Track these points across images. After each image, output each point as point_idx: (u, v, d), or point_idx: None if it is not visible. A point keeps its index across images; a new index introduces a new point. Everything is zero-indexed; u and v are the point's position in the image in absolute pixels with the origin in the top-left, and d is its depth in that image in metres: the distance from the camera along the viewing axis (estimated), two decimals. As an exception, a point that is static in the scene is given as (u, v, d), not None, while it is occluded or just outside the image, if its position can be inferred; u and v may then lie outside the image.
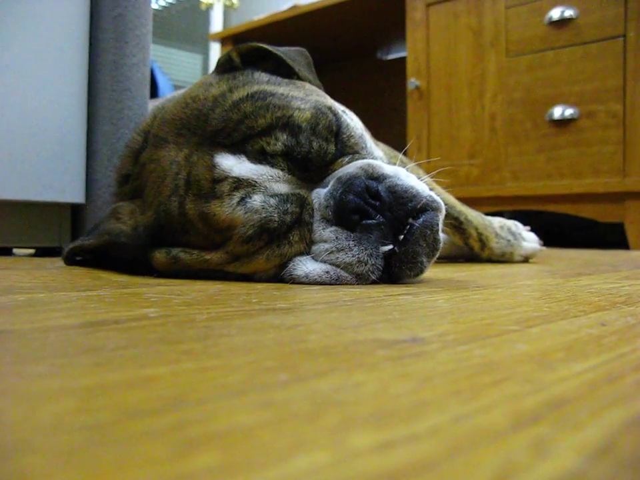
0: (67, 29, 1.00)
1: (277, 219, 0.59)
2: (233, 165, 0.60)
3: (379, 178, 0.61)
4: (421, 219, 0.59)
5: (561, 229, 2.19)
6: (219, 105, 0.64)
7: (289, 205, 0.59)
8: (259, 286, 0.56)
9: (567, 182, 1.87)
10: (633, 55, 1.76)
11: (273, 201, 0.59)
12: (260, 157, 0.61)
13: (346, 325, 0.35)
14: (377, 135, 0.89)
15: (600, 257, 1.24)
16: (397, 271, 0.59)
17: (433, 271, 0.80)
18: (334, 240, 0.59)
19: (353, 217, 0.58)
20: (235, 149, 0.61)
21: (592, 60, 1.83)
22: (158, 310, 0.38)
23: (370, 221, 0.59)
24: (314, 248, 0.61)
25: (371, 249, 0.58)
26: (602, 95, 1.81)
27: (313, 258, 0.61)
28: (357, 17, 2.54)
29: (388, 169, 0.62)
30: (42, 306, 0.40)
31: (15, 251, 1.11)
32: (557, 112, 1.88)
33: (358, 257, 0.58)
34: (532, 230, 1.09)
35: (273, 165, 0.60)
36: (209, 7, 3.88)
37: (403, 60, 2.41)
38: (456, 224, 0.99)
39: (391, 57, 3.04)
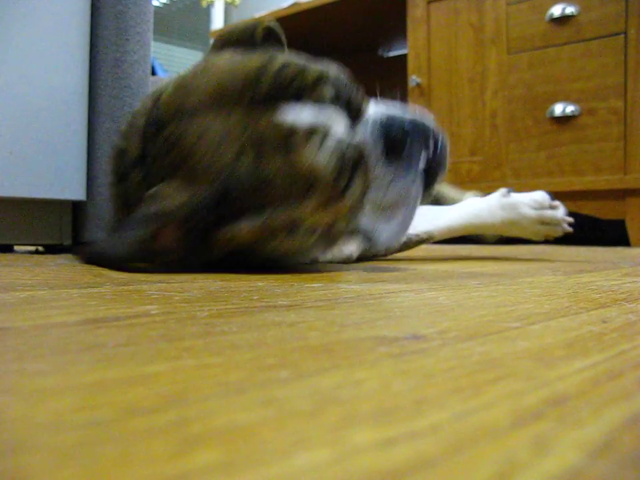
0: (67, 25, 1.00)
1: (353, 156, 0.65)
2: (298, 116, 0.63)
3: (402, 114, 0.71)
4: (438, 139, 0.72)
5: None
6: (266, 71, 0.66)
7: (355, 144, 0.66)
8: (260, 283, 0.56)
9: (567, 179, 1.86)
10: (634, 51, 1.76)
11: (343, 142, 0.64)
12: (317, 106, 0.65)
13: (347, 322, 0.34)
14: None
15: (601, 254, 1.24)
16: (431, 179, 0.71)
17: (432, 270, 0.80)
18: (388, 172, 0.68)
19: (401, 143, 0.68)
20: (292, 103, 0.64)
21: (593, 57, 1.83)
22: (159, 307, 0.38)
23: (411, 145, 0.68)
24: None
25: (415, 171, 0.69)
26: (603, 92, 1.81)
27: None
28: (358, 14, 2.53)
29: (402, 109, 0.73)
30: (42, 303, 0.40)
31: (15, 248, 1.11)
32: (558, 109, 1.88)
33: (412, 178, 0.69)
34: None
35: (329, 112, 0.65)
36: (210, 3, 3.88)
37: (404, 57, 2.41)
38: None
39: (392, 54, 3.03)
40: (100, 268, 0.70)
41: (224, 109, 0.65)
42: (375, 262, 0.92)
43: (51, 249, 1.06)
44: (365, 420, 0.17)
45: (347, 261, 0.86)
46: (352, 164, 0.64)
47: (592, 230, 1.99)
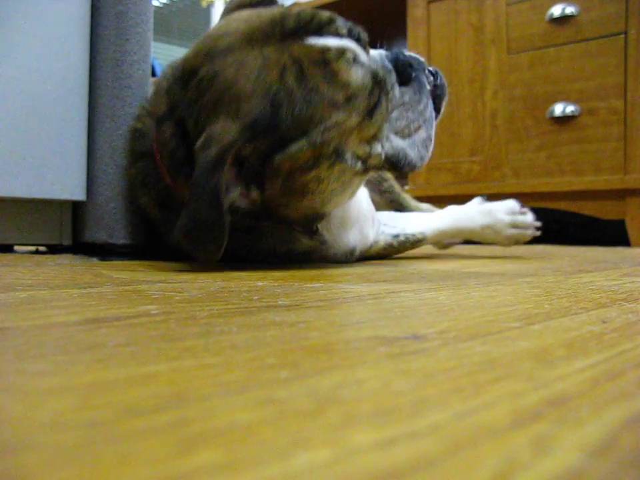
0: (67, 25, 1.00)
1: (379, 74, 0.71)
2: (327, 41, 0.69)
3: (400, 51, 0.78)
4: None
5: (562, 226, 2.18)
6: (288, 13, 0.71)
7: (379, 66, 0.73)
8: (260, 283, 0.56)
9: (567, 179, 1.86)
10: (634, 52, 1.76)
11: (369, 63, 0.71)
12: (337, 38, 0.70)
13: (347, 322, 0.34)
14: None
15: (601, 254, 1.24)
16: (439, 103, 0.81)
17: (432, 270, 0.80)
18: (404, 95, 0.76)
19: (408, 71, 0.76)
20: (318, 34, 0.69)
21: (593, 57, 1.83)
22: (159, 307, 0.38)
23: (416, 73, 0.77)
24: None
25: (426, 94, 0.78)
26: (603, 92, 1.81)
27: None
28: (358, 15, 2.53)
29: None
30: (43, 303, 0.40)
31: (15, 248, 1.11)
32: (558, 109, 1.87)
33: (425, 101, 0.78)
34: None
35: (349, 42, 0.71)
36: (210, 3, 3.88)
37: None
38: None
39: (392, 54, 3.03)
40: (100, 268, 0.70)
41: (256, 45, 0.68)
42: (375, 262, 0.92)
43: (51, 249, 1.06)
44: (365, 420, 0.17)
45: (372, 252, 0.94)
46: (379, 82, 0.71)
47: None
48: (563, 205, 1.88)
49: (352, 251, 0.88)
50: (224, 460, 0.14)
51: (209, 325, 0.32)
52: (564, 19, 1.87)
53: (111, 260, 0.86)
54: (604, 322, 0.35)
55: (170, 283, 0.55)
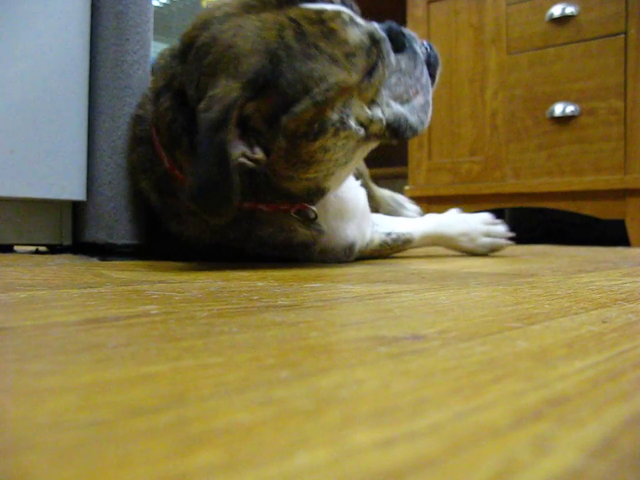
0: (67, 25, 1.00)
1: (376, 36, 0.71)
2: (322, 5, 0.69)
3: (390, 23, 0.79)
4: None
5: (562, 226, 2.19)
6: None
7: (375, 28, 0.73)
8: (260, 283, 0.56)
9: (567, 179, 1.86)
10: (634, 51, 1.76)
11: (367, 24, 0.72)
12: (332, 4, 0.71)
13: (347, 322, 0.34)
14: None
15: (601, 254, 1.24)
16: (432, 71, 0.81)
17: (432, 270, 0.80)
18: (399, 61, 0.77)
19: (401, 39, 0.77)
20: (313, 1, 0.70)
21: (593, 57, 1.83)
22: (159, 307, 0.38)
23: (409, 42, 0.78)
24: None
25: (421, 60, 0.79)
26: (603, 92, 1.81)
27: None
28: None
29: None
30: (42, 303, 0.40)
31: (15, 248, 1.11)
32: (558, 109, 1.87)
33: (421, 68, 0.78)
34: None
35: (344, 7, 0.72)
36: (210, 4, 3.88)
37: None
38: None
39: (392, 53, 3.03)
40: (100, 268, 0.70)
41: (253, 11, 0.69)
42: (375, 262, 0.92)
43: (51, 249, 1.06)
44: (365, 420, 0.17)
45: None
46: (376, 42, 0.71)
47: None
48: (562, 205, 1.88)
49: (351, 246, 0.88)
50: (224, 460, 0.14)
51: (209, 325, 0.32)
52: (564, 19, 1.87)
53: (111, 260, 0.86)
54: (604, 322, 0.35)
55: (170, 283, 0.55)
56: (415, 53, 0.79)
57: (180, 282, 0.56)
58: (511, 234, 1.13)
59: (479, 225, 1.12)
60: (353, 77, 0.69)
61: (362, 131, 0.73)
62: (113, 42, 1.00)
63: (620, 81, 1.78)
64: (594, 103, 1.82)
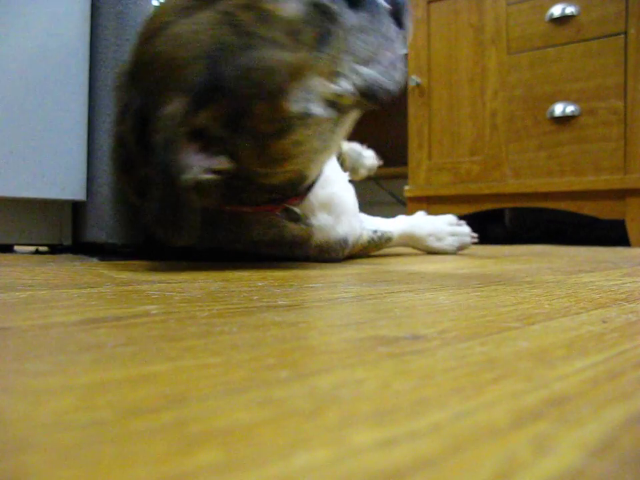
0: (67, 25, 1.00)
1: (319, 2, 0.65)
2: None
3: None
4: None
5: (562, 226, 2.19)
6: None
7: None
8: (260, 283, 0.56)
9: (567, 179, 1.86)
10: (634, 51, 1.76)
11: None
12: None
13: (347, 322, 0.34)
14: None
15: (601, 254, 1.24)
16: (401, 18, 0.73)
17: (432, 270, 0.80)
18: (359, 20, 0.69)
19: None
20: None
21: (593, 57, 1.83)
22: (159, 307, 0.38)
23: None
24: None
25: (383, 12, 0.71)
26: (603, 92, 1.81)
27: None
28: (358, 14, 2.53)
29: None
30: (42, 303, 0.40)
31: (16, 248, 1.11)
32: (558, 109, 1.87)
33: (385, 20, 0.70)
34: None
35: None
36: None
37: (403, 57, 2.41)
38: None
39: (392, 54, 3.03)
40: (100, 268, 0.69)
41: (188, 15, 0.65)
42: (374, 262, 0.92)
43: (51, 249, 1.06)
44: (365, 420, 0.17)
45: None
46: (321, 9, 0.65)
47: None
48: (562, 205, 1.88)
49: (344, 240, 0.89)
50: (224, 460, 0.14)
51: (209, 324, 0.32)
52: (564, 19, 1.87)
53: (111, 260, 0.86)
54: (604, 322, 0.35)
55: (170, 283, 0.55)
56: (375, 4, 0.70)
57: (180, 282, 0.56)
58: (474, 234, 1.19)
59: (444, 225, 1.17)
60: (302, 56, 0.64)
61: (332, 111, 0.68)
62: (112, 42, 1.01)
63: (620, 81, 1.78)
64: (594, 103, 1.82)
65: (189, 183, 0.62)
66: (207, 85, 0.62)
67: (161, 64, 0.65)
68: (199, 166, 0.64)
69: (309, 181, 0.78)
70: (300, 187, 0.77)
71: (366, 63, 0.69)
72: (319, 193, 0.84)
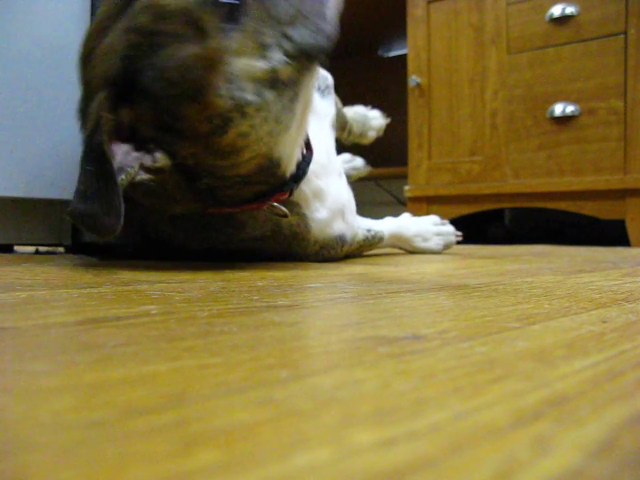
0: (67, 25, 1.00)
1: None
2: None
3: None
4: None
5: (562, 226, 2.19)
6: None
7: None
8: (260, 283, 0.56)
9: (567, 179, 1.86)
10: (634, 51, 1.76)
11: None
12: None
13: (347, 322, 0.34)
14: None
15: (601, 254, 1.24)
16: None
17: (432, 270, 0.80)
18: None
19: None
20: None
21: (593, 57, 1.83)
22: (159, 307, 0.38)
23: None
24: None
25: None
26: (603, 92, 1.81)
27: None
28: (358, 14, 2.53)
29: None
30: (42, 303, 0.40)
31: (15, 248, 1.11)
32: (558, 109, 1.87)
33: None
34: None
35: None
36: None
37: (404, 57, 2.41)
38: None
39: (392, 54, 3.03)
40: (100, 268, 0.69)
41: (106, 34, 0.65)
42: (374, 263, 0.92)
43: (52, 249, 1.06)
44: (365, 420, 0.17)
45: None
46: None
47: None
48: (562, 205, 1.88)
49: (342, 237, 0.89)
50: (223, 460, 0.14)
51: (209, 324, 0.32)
52: (564, 19, 1.87)
53: (111, 260, 0.86)
54: (604, 322, 0.35)
55: (170, 283, 0.55)
56: None
57: (180, 282, 0.56)
58: (459, 233, 1.21)
59: (430, 226, 1.18)
60: (212, 42, 0.59)
61: (272, 92, 0.62)
62: (112, 42, 1.01)
63: (620, 81, 1.78)
64: (594, 103, 1.82)
65: (126, 181, 0.61)
66: (121, 78, 0.62)
67: (89, 85, 0.66)
68: (131, 167, 0.62)
69: (287, 163, 0.72)
70: (275, 170, 0.71)
71: (292, 22, 0.63)
72: (314, 187, 0.83)
